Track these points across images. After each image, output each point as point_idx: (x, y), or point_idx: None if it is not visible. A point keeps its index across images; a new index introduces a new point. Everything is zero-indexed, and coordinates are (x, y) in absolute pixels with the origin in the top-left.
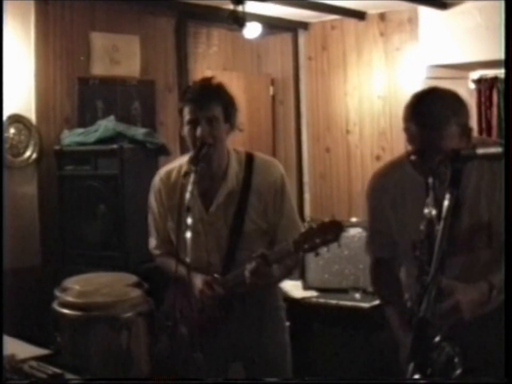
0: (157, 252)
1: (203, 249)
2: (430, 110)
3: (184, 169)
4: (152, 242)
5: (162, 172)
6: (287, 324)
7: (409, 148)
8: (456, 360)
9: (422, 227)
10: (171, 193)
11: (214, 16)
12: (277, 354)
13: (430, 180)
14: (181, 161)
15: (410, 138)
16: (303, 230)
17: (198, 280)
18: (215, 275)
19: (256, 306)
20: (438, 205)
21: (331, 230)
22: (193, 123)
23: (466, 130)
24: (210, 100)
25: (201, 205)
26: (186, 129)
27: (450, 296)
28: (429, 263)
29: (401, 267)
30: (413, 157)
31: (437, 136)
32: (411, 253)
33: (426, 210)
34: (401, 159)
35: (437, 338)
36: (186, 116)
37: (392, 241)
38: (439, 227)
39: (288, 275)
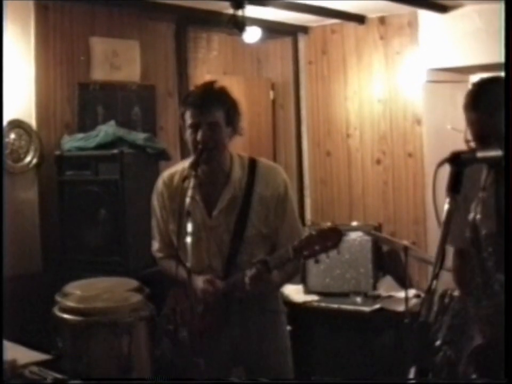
0: (159, 254)
1: (204, 253)
2: (487, 97)
3: (185, 173)
4: (155, 245)
5: (165, 175)
6: (289, 328)
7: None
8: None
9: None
10: (173, 197)
11: (214, 21)
12: (278, 359)
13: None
14: (184, 165)
15: (470, 126)
16: (303, 236)
17: (199, 281)
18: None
19: (257, 310)
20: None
21: (331, 237)
22: (195, 127)
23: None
24: (212, 104)
25: (204, 209)
26: (187, 133)
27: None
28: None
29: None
30: (472, 143)
31: (495, 122)
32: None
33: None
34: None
35: (438, 342)
36: (188, 120)
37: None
38: (440, 231)
39: (288, 281)
